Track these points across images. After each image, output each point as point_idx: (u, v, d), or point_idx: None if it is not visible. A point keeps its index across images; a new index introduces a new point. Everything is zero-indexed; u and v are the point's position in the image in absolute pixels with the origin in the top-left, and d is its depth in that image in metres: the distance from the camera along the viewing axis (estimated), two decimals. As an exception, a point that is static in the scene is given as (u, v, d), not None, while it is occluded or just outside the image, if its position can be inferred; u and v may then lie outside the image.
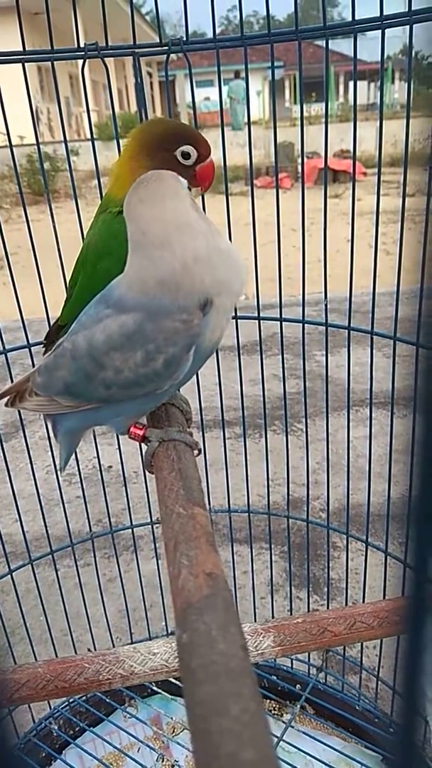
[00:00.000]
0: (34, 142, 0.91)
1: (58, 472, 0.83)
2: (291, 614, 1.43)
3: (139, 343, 0.55)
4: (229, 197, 1.00)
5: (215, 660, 0.29)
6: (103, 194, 0.78)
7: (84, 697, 1.26)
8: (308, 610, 1.40)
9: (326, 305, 0.98)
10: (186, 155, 0.69)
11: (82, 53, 0.82)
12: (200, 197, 0.85)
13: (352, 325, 1.00)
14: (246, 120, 0.99)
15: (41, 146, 1.03)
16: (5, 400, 0.71)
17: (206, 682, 0.28)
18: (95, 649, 1.28)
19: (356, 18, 0.78)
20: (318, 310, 1.10)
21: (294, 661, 1.34)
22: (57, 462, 0.79)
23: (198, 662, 0.29)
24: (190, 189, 0.71)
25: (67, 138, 0.97)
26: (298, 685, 1.29)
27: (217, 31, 0.88)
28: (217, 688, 0.27)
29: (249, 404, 1.23)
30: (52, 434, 0.75)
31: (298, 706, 1.23)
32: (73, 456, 1.12)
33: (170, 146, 0.69)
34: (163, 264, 0.53)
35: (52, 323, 0.89)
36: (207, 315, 0.54)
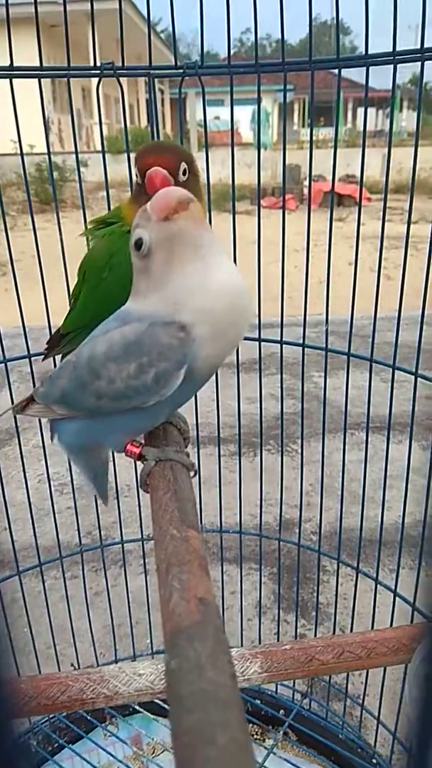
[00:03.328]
0: (43, 151, 0.92)
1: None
2: (278, 638, 1.41)
3: (135, 355, 0.56)
4: (236, 216, 1.01)
5: (204, 688, 0.28)
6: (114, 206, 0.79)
7: (65, 713, 1.23)
8: (296, 635, 1.38)
9: (327, 330, 0.98)
10: (137, 175, 0.69)
11: (98, 72, 0.83)
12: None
13: (351, 350, 1.00)
14: (270, 140, 1.01)
15: (51, 156, 1.04)
16: (12, 407, 0.73)
17: (194, 710, 0.27)
18: (78, 665, 1.27)
19: (369, 52, 0.80)
20: (318, 332, 1.11)
21: (278, 686, 1.32)
22: (97, 497, 0.80)
23: (186, 690, 0.28)
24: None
25: (78, 149, 0.98)
26: (281, 711, 1.27)
27: (231, 52, 0.89)
28: (204, 717, 0.27)
29: (245, 422, 1.22)
30: (55, 456, 0.76)
31: (281, 732, 1.21)
32: (65, 466, 1.12)
33: (137, 170, 0.69)
34: (177, 286, 0.55)
35: (53, 331, 0.89)
36: (198, 340, 0.54)
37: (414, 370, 0.92)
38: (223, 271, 0.56)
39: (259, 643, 1.41)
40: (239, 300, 0.56)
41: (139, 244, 0.56)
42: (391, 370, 0.97)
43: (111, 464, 1.17)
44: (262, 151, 0.99)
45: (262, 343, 1.08)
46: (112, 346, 0.58)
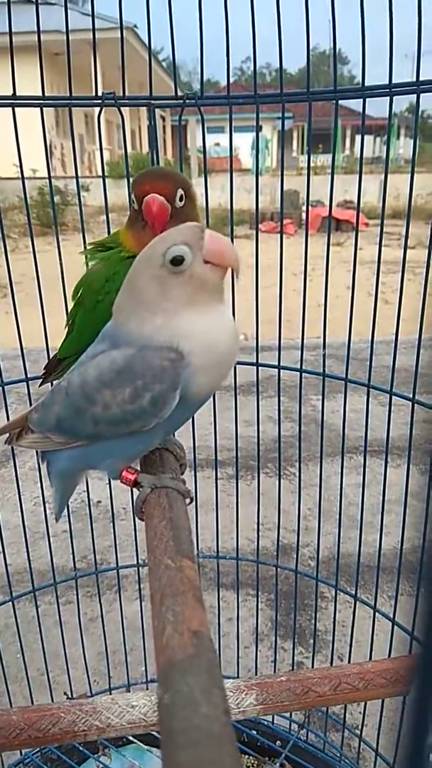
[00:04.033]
0: (45, 176, 0.93)
1: (48, 512, 0.81)
2: (275, 666, 1.39)
3: (128, 379, 0.56)
4: (234, 240, 1.02)
5: (197, 724, 0.27)
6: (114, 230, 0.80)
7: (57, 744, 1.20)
8: (293, 663, 1.36)
9: (324, 355, 0.98)
10: (132, 201, 0.70)
11: (100, 101, 0.85)
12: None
13: (349, 375, 1.00)
14: (265, 165, 1.03)
15: (53, 180, 1.05)
16: (5, 437, 0.71)
17: (187, 746, 0.26)
18: (72, 693, 1.24)
19: (366, 84, 0.81)
20: (315, 355, 1.12)
21: (275, 716, 1.29)
22: (53, 511, 0.78)
23: (179, 725, 0.28)
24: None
25: (79, 174, 0.99)
26: (278, 742, 1.25)
27: (231, 80, 0.91)
28: (197, 754, 0.26)
29: (243, 445, 1.22)
30: (47, 479, 0.75)
31: (278, 764, 1.18)
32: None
33: (134, 197, 0.70)
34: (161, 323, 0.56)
35: (51, 354, 0.89)
36: (191, 367, 0.55)
37: (411, 395, 0.92)
38: (225, 316, 0.58)
39: (256, 671, 1.39)
40: (232, 341, 0.58)
41: (178, 260, 0.55)
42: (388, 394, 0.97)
43: (108, 487, 1.17)
44: (261, 176, 1.00)
45: (261, 367, 1.08)
46: (103, 371, 0.57)
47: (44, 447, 0.66)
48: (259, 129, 0.98)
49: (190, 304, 0.56)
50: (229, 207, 0.99)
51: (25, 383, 1.05)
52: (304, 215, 9.60)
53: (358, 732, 1.22)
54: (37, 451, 0.73)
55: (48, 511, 1.16)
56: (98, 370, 0.58)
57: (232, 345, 0.58)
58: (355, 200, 0.95)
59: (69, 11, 0.87)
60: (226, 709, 0.29)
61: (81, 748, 1.22)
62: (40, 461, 0.73)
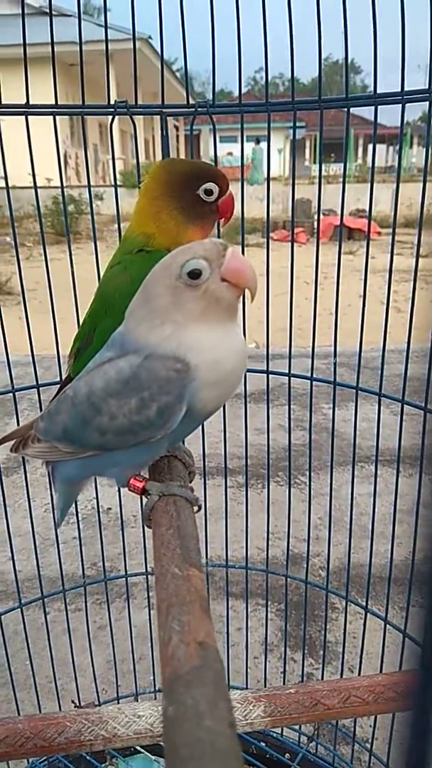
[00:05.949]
0: (59, 185, 0.94)
1: (56, 525, 0.81)
2: (284, 677, 1.37)
3: (135, 389, 0.56)
4: (246, 248, 1.02)
5: (201, 738, 0.27)
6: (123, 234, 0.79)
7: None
8: (302, 674, 1.34)
9: (335, 364, 0.97)
10: (209, 192, 0.72)
11: (112, 110, 0.85)
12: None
13: (360, 383, 0.99)
14: (264, 177, 1.03)
15: (67, 189, 1.06)
16: (10, 444, 0.71)
17: (190, 761, 0.26)
18: (79, 701, 1.24)
19: (378, 91, 0.81)
20: (327, 363, 1.11)
21: (284, 728, 1.28)
22: (54, 515, 0.78)
23: (183, 739, 0.27)
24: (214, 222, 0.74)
25: (93, 183, 1.00)
26: (287, 754, 1.23)
27: (244, 90, 0.91)
28: (201, 769, 0.26)
29: (253, 453, 1.22)
30: (51, 483, 0.74)
31: (287, 778, 1.16)
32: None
33: (193, 185, 0.71)
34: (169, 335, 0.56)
35: (63, 362, 0.89)
36: (198, 381, 0.55)
37: (423, 404, 0.91)
38: (236, 335, 0.58)
39: (265, 682, 1.38)
40: (239, 360, 0.58)
41: (195, 273, 0.54)
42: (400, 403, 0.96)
43: (118, 494, 1.17)
44: (272, 185, 1.00)
45: (271, 374, 1.07)
46: (109, 381, 0.57)
47: (51, 457, 0.66)
48: (262, 139, 0.98)
49: (201, 318, 0.55)
50: (240, 215, 1.00)
51: (36, 390, 1.05)
52: (316, 224, 9.61)
53: (369, 746, 1.20)
54: None
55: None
56: (105, 379, 0.57)
57: (238, 364, 0.58)
58: (368, 209, 0.95)
59: (84, 22, 0.88)
60: (231, 723, 0.28)
61: (88, 758, 1.21)
62: (45, 466, 0.73)
